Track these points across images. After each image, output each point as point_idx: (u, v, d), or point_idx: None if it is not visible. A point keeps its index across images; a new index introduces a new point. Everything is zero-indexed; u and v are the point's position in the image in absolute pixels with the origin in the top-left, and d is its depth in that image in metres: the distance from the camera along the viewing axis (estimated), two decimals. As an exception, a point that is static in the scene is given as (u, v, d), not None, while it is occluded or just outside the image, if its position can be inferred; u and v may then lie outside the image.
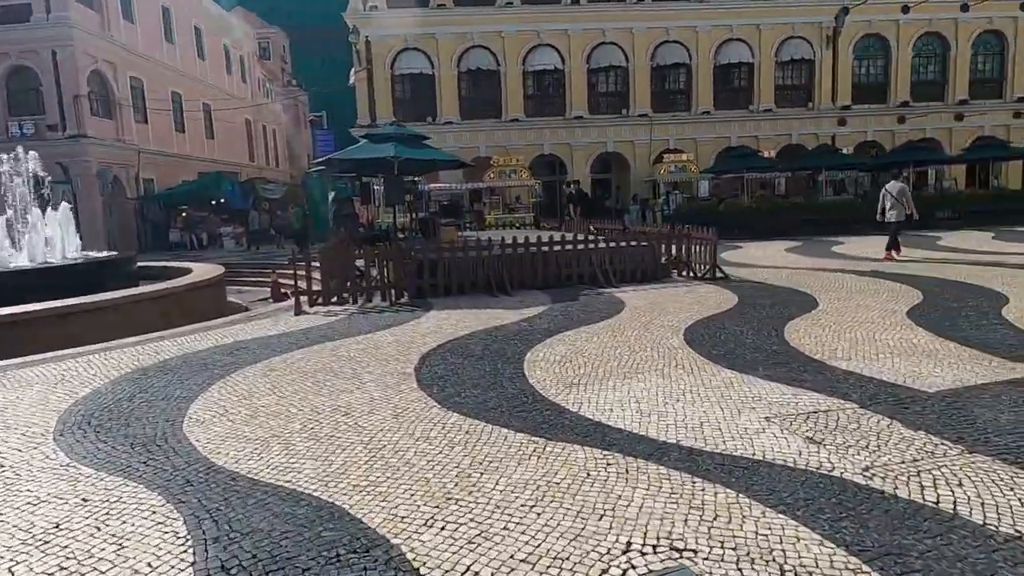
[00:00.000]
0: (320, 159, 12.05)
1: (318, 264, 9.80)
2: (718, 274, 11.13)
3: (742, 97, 28.57)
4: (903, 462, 3.79)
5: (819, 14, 27.60)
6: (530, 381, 5.60)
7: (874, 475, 3.64)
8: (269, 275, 15.70)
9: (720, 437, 4.24)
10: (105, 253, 13.52)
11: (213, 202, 31.10)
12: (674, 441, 4.19)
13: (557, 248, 10.65)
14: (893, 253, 13.48)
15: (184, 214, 29.36)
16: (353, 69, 28.31)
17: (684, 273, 11.52)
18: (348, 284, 9.93)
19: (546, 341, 7.01)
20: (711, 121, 28.14)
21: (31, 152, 12.90)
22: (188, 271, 13.45)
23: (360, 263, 10.32)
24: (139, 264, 14.51)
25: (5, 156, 12.46)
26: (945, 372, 5.53)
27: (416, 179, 16.04)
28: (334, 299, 9.63)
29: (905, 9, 27.73)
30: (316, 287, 9.70)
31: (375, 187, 18.51)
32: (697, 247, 11.42)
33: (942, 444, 4.07)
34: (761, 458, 3.90)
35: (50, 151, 26.27)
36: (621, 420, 4.59)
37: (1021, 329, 7.05)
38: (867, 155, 27.13)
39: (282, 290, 14.82)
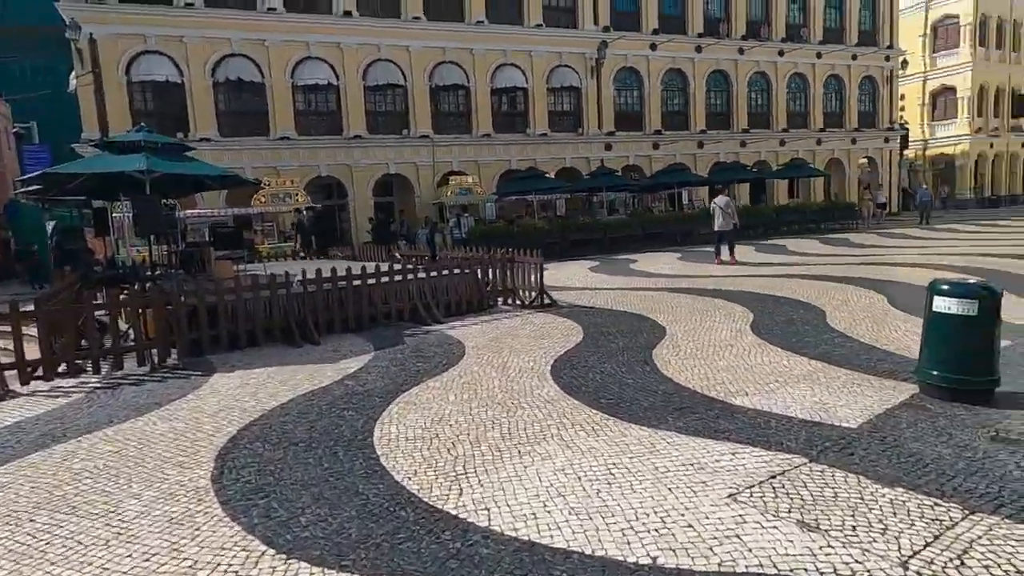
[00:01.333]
0: (31, 175, 8.82)
1: (35, 320, 6.89)
2: (546, 300, 10.29)
3: (519, 121, 29.09)
4: (930, 543, 2.95)
5: (583, 46, 29.22)
6: (396, 477, 3.96)
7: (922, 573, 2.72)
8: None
9: (699, 540, 3.07)
10: None
11: None
12: (648, 561, 2.91)
13: (372, 282, 8.91)
14: (723, 258, 15.36)
15: None
16: (74, 73, 23.24)
17: (511, 301, 10.50)
18: (85, 345, 7.18)
19: (390, 409, 5.35)
20: (492, 144, 28.16)
21: None
22: None
23: (104, 315, 7.57)
24: None
25: None
26: (845, 401, 5.06)
27: (171, 203, 13.01)
28: (63, 369, 6.83)
29: (653, 47, 30.64)
30: (34, 353, 6.82)
31: (115, 214, 14.72)
32: (522, 272, 10.48)
33: (939, 505, 3.35)
34: (774, 572, 2.79)
35: None
36: (556, 531, 3.20)
37: (858, 339, 7.10)
38: (630, 178, 29.24)
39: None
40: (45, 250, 21.70)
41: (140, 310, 7.34)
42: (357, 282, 8.78)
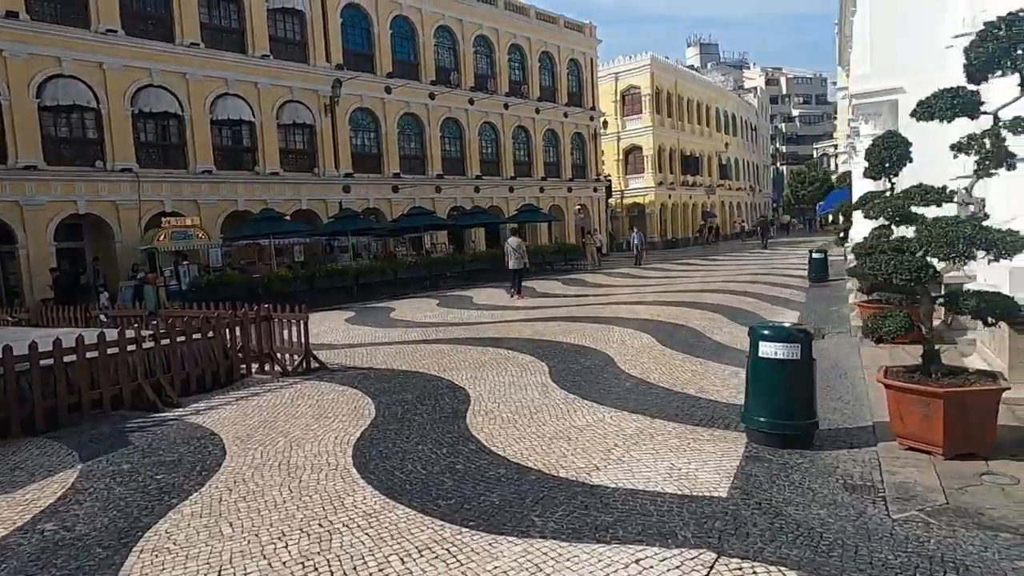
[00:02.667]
0: None
1: None
2: (313, 364, 8.64)
3: (248, 158, 26.18)
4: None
5: (316, 82, 27.60)
6: None
7: None
8: None
9: None
10: None
11: None
12: None
13: (71, 358, 6.39)
14: (516, 295, 16.80)
15: None
16: None
17: (267, 368, 8.59)
18: None
19: (130, 566, 3.49)
20: (214, 182, 24.76)
21: None
22: None
23: None
24: None
25: None
26: (696, 463, 4.66)
27: None
28: None
29: (388, 90, 30.34)
30: None
31: None
32: (280, 331, 8.68)
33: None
34: None
35: None
36: None
37: (658, 384, 7.01)
38: (373, 221, 28.21)
39: None
40: None
41: None
42: (47, 361, 6.23)
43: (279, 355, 8.64)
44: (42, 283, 20.70)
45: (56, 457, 5.51)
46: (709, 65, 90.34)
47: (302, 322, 8.52)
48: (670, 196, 52.27)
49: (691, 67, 75.10)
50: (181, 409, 6.93)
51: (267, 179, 26.35)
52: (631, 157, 50.75)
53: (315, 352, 8.91)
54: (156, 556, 3.57)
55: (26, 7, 20.30)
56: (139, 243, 22.50)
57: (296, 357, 8.65)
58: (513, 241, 17.61)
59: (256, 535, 3.78)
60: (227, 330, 8.17)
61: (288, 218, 24.31)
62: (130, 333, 7.21)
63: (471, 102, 34.07)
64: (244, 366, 8.48)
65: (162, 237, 21.69)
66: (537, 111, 37.77)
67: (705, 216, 57.70)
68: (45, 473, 5.08)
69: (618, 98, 49.79)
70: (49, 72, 20.95)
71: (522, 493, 4.24)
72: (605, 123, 46.01)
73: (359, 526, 3.84)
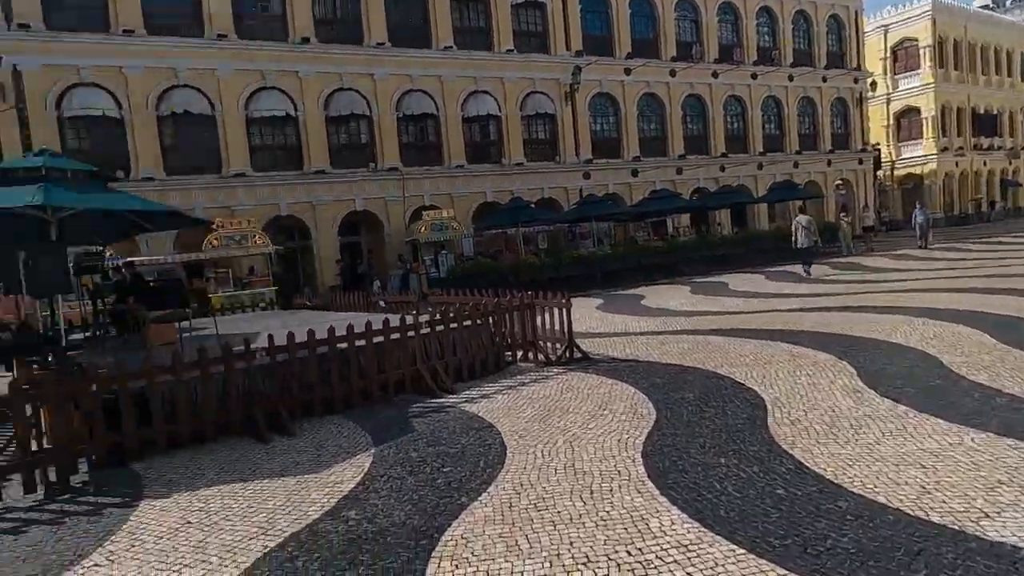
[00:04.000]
0: None
1: None
2: (576, 354, 8.28)
3: (494, 151, 27.40)
4: None
5: (557, 71, 27.88)
6: None
7: None
8: None
9: None
10: None
11: None
12: None
13: (361, 343, 6.75)
14: (807, 270, 16.88)
15: None
16: (-6, 108, 20.68)
17: (533, 357, 8.43)
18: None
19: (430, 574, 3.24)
20: (466, 175, 26.33)
21: None
22: None
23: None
24: None
25: None
26: None
27: (99, 249, 10.60)
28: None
29: (627, 71, 29.51)
30: None
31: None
32: (545, 319, 8.44)
33: None
34: None
35: None
36: None
37: (1019, 396, 5.27)
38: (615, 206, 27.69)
39: None
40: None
41: (34, 406, 5.06)
42: (343, 344, 6.62)
43: (541, 343, 8.41)
44: (330, 273, 23.70)
45: (352, 438, 5.74)
46: (1009, 2, 74.44)
47: (565, 309, 8.17)
48: (957, 164, 44.02)
49: (985, 7, 62.47)
50: (455, 396, 6.95)
51: (512, 170, 27.25)
52: (904, 121, 43.71)
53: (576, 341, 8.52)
54: (456, 567, 3.26)
55: (315, 32, 23.31)
56: (404, 235, 24.70)
57: (559, 346, 8.34)
58: (803, 219, 17.48)
59: (557, 555, 3.31)
60: (493, 317, 8.12)
61: (533, 206, 24.81)
62: (408, 319, 7.44)
63: (715, 75, 31.84)
64: (509, 354, 8.39)
65: (423, 229, 23.50)
66: (790, 78, 34.11)
67: (1005, 183, 47.68)
68: (345, 455, 5.25)
69: (888, 54, 43.10)
70: (333, 87, 23.81)
71: (885, 540, 3.21)
72: (873, 84, 40.04)
73: (676, 561, 3.17)
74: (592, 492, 4.08)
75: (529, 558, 3.30)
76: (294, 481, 4.72)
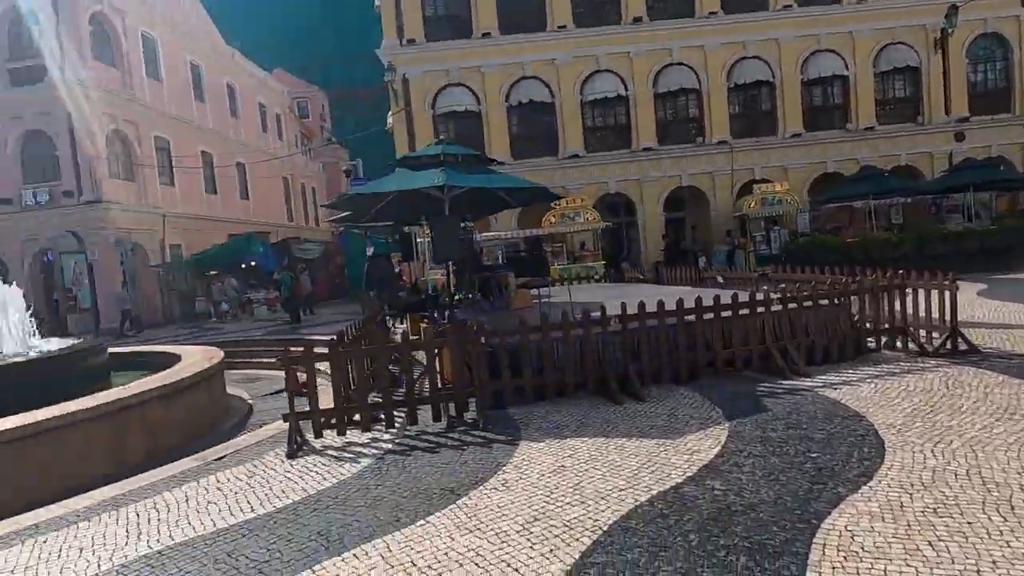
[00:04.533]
0: (331, 202, 8.50)
1: (331, 361, 6.09)
2: (960, 345, 7.00)
3: (837, 116, 24.53)
4: None
5: (923, 16, 23.64)
6: None
7: None
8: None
9: None
10: (65, 343, 10.20)
11: (244, 266, 28.37)
12: None
13: (708, 316, 6.71)
14: None
15: (216, 282, 26.44)
16: (390, 112, 25.49)
17: (901, 345, 7.40)
18: (377, 393, 6.20)
19: (814, 560, 3.05)
20: (802, 145, 24.11)
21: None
22: (175, 359, 10.04)
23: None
24: (121, 351, 11.23)
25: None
26: None
27: (468, 223, 12.44)
28: (356, 419, 5.87)
29: (1026, 2, 23.61)
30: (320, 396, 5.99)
31: (420, 239, 15.02)
32: (917, 303, 7.31)
33: None
34: None
35: (63, 219, 23.98)
36: None
37: None
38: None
39: (301, 380, 11.26)
40: (361, 276, 23.89)
41: (437, 352, 6.15)
42: (690, 317, 6.64)
43: (912, 330, 7.29)
44: (654, 248, 24.01)
45: (702, 410, 5.74)
46: None
47: (948, 292, 6.94)
48: None
49: None
50: (808, 379, 6.45)
51: (859, 135, 24.12)
52: None
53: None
54: (845, 559, 3.02)
55: (647, 11, 23.57)
56: (731, 210, 23.75)
57: (936, 335, 7.14)
58: None
59: (976, 572, 2.83)
60: (858, 297, 7.30)
61: (886, 175, 21.61)
62: (758, 296, 7.13)
63: None
64: (871, 340, 7.47)
65: (752, 204, 22.27)
66: None
67: None
68: (698, 425, 5.28)
69: None
70: (663, 63, 23.84)
71: None
72: None
73: None
74: (1013, 508, 3.40)
75: (938, 567, 2.89)
76: (652, 443, 4.90)
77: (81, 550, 3.85)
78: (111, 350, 10.60)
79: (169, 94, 29.26)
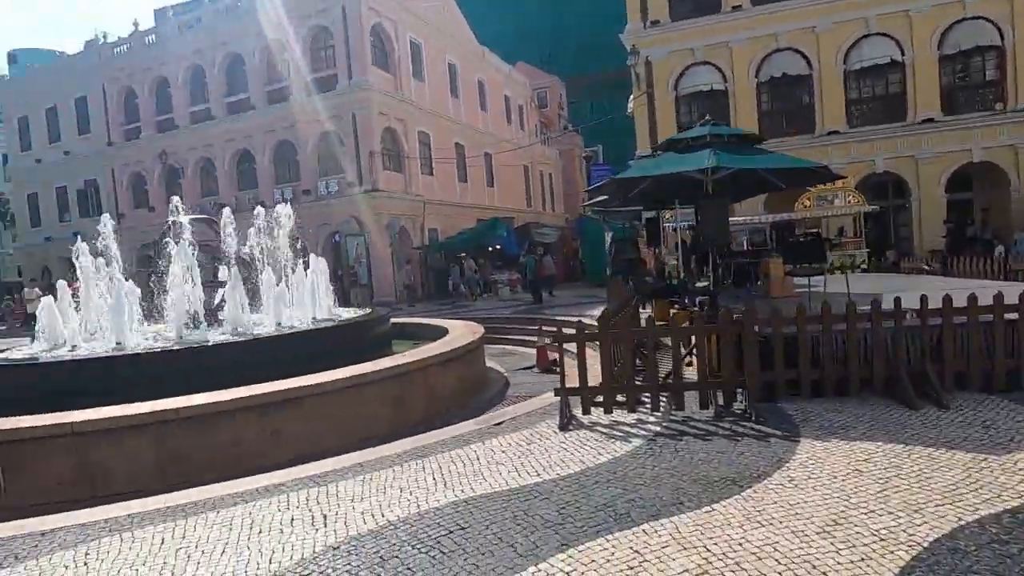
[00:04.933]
0: (596, 185, 8.72)
1: (600, 341, 6.28)
2: None
3: None
4: None
5: None
6: None
7: None
8: (536, 334, 12.88)
9: None
10: (358, 312, 11.91)
11: (490, 248, 30.57)
12: None
13: (1012, 315, 5.64)
14: None
15: (467, 263, 28.94)
16: (631, 95, 25.41)
17: None
18: (639, 375, 6.27)
19: None
20: None
21: (281, 208, 11.76)
22: (443, 332, 11.17)
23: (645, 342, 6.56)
24: (398, 321, 12.80)
25: (262, 211, 11.47)
26: None
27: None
28: (620, 399, 6.01)
29: None
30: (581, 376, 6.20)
31: (666, 223, 14.79)
32: None
33: None
34: None
35: (347, 207, 27.87)
36: None
37: None
38: None
39: (550, 358, 11.85)
40: (599, 261, 24.31)
41: (707, 339, 6.02)
42: (1012, 315, 5.65)
43: None
44: (930, 234, 20.89)
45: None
46: None
47: None
48: None
49: None
50: None
51: None
52: None
53: None
54: None
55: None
56: (1039, 191, 19.74)
57: None
58: None
59: None
60: None
61: None
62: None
63: None
64: None
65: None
66: None
67: None
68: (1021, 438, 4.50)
69: None
70: (950, 20, 20.47)
71: None
72: None
73: None
74: None
75: None
76: (968, 457, 4.28)
77: (401, 490, 4.49)
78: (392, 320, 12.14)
79: (431, 92, 32.36)
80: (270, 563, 3.53)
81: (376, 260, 27.99)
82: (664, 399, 6.09)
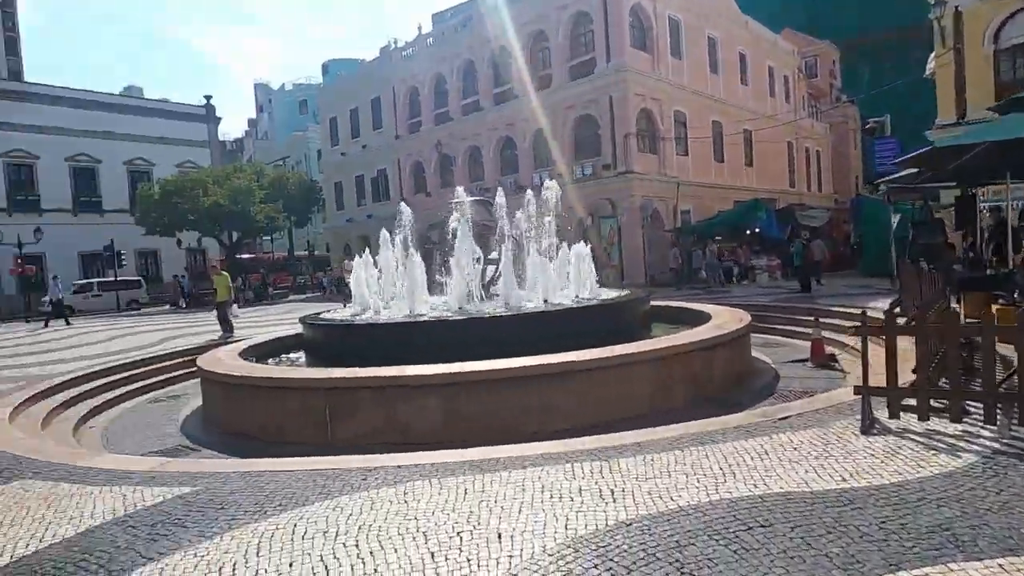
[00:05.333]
0: (909, 156, 7.48)
1: (910, 334, 5.42)
2: None
3: None
4: None
5: None
6: None
7: None
8: (811, 325, 11.72)
9: None
10: (618, 293, 11.94)
11: (748, 232, 28.71)
12: None
13: None
14: None
15: (708, 248, 27.58)
16: (932, 55, 21.73)
17: None
18: (953, 378, 5.26)
19: None
20: None
21: (550, 187, 12.17)
22: (705, 317, 10.73)
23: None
24: (657, 304, 12.59)
25: (530, 193, 12.02)
26: None
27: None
28: (936, 405, 5.11)
29: None
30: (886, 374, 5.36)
31: (984, 204, 12.30)
32: None
33: None
34: None
35: (602, 189, 28.23)
36: None
37: None
38: None
39: (827, 351, 10.71)
40: (877, 244, 21.27)
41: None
42: None
43: None
44: None
45: None
46: None
47: None
48: None
49: None
50: None
51: None
52: None
53: None
54: None
55: None
56: None
57: None
58: None
59: None
60: None
61: None
62: None
63: None
64: None
65: None
66: None
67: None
68: None
69: None
70: None
71: None
72: None
73: None
74: None
75: None
76: None
77: (687, 476, 4.34)
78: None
79: (688, 69, 31.24)
80: (566, 528, 3.63)
81: (627, 242, 28.00)
82: (999, 411, 5.05)
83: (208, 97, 47.19)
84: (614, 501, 3.98)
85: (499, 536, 3.59)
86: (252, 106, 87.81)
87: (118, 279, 34.51)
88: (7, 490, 5.02)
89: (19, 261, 31.94)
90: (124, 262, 35.71)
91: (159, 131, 43.92)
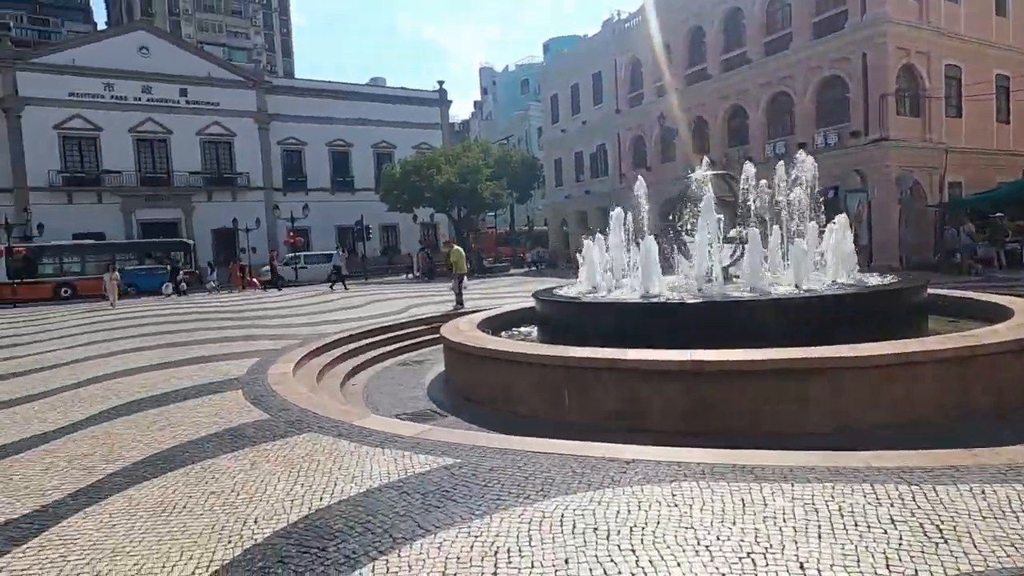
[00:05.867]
0: None
1: None
2: None
3: None
4: None
5: None
6: None
7: None
8: None
9: None
10: (884, 279, 10.31)
11: (1040, 209, 23.62)
12: None
13: None
14: None
15: (964, 228, 23.00)
16: None
17: None
18: None
19: None
20: None
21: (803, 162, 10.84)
22: (1001, 310, 8.90)
23: None
24: (933, 292, 10.74)
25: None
26: None
27: None
28: None
29: None
30: None
31: None
32: None
33: None
34: None
35: (848, 159, 25.11)
36: None
37: None
38: None
39: None
40: None
41: None
42: None
43: None
44: None
45: None
46: None
47: None
48: None
49: None
50: None
51: None
52: None
53: None
54: None
55: None
56: None
57: None
58: None
59: None
60: None
61: None
62: None
63: None
64: None
65: None
66: None
67: None
68: None
69: None
70: None
71: None
72: None
73: None
74: None
75: None
76: None
77: (1041, 520, 3.40)
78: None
79: (967, 14, 26.36)
80: (888, 571, 3.00)
81: (878, 220, 24.61)
82: None
83: (441, 82, 50.69)
84: (945, 543, 3.22)
85: (802, 568, 3.07)
86: (477, 89, 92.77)
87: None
88: (300, 441, 5.60)
89: (291, 233, 37.34)
90: (370, 235, 39.95)
91: (400, 116, 48.26)
